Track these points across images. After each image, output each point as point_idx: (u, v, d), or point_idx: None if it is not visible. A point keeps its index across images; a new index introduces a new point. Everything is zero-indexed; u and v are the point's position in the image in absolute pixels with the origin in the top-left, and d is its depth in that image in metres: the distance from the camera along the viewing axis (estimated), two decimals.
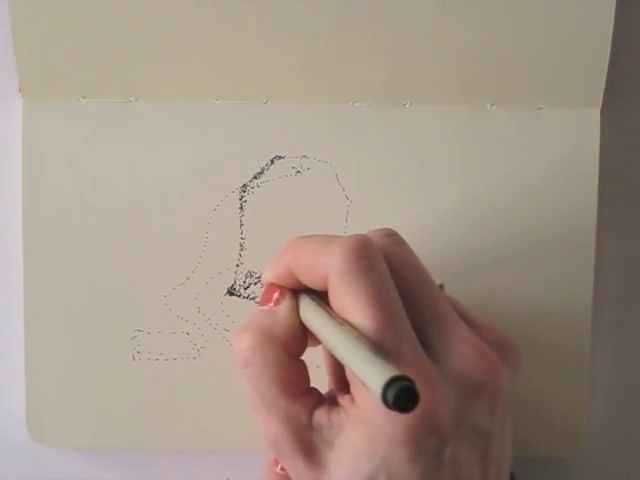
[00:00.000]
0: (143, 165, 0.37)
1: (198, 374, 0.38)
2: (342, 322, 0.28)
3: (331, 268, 0.28)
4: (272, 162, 0.37)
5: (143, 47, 0.36)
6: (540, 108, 0.37)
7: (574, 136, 0.36)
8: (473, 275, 0.37)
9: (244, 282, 0.37)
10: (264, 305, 0.31)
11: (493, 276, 0.37)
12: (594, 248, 0.37)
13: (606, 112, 0.37)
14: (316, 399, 0.30)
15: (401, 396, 0.24)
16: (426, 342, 0.29)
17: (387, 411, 0.26)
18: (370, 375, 0.25)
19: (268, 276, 0.32)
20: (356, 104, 0.37)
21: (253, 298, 0.37)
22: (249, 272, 0.37)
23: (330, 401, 0.30)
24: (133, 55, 0.36)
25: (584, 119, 0.36)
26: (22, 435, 0.38)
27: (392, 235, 0.31)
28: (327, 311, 0.29)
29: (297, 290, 0.31)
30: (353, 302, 0.28)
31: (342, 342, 0.27)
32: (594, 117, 0.36)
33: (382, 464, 0.28)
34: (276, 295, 0.31)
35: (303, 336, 0.31)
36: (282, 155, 0.37)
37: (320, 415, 0.29)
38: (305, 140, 0.37)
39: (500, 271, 0.37)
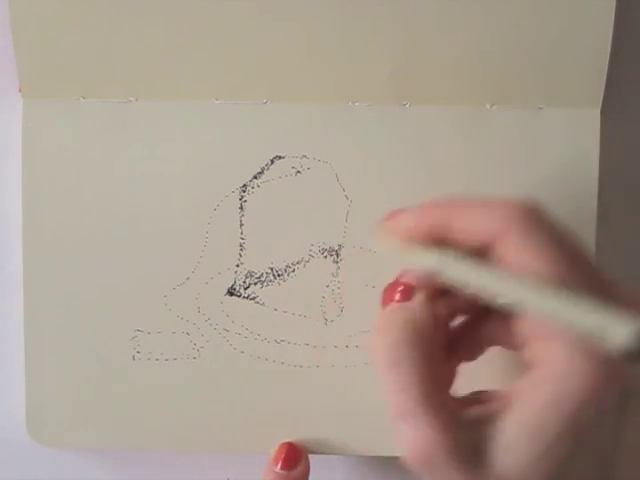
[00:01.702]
0: (143, 165, 0.37)
1: (198, 374, 0.38)
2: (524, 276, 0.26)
3: (513, 221, 0.26)
4: (272, 162, 0.37)
5: (143, 47, 0.36)
6: (540, 108, 0.37)
7: (574, 136, 0.37)
8: None
9: (244, 282, 0.37)
10: (391, 304, 0.29)
11: None
12: (594, 248, 0.37)
13: (606, 112, 0.37)
14: (463, 396, 0.28)
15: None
16: None
17: (580, 362, 0.25)
18: (608, 325, 0.23)
19: (400, 229, 0.30)
20: (356, 104, 0.37)
21: (253, 298, 0.37)
22: (249, 272, 0.37)
23: (471, 398, 0.28)
24: (133, 55, 0.36)
25: (584, 119, 0.36)
26: (22, 435, 0.38)
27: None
28: (493, 266, 0.27)
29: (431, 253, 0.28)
30: (540, 256, 0.26)
31: (550, 294, 0.25)
32: (594, 117, 0.36)
33: (569, 421, 0.25)
34: (400, 290, 0.29)
35: (446, 326, 0.29)
36: (282, 155, 0.37)
37: (472, 411, 0.27)
38: (305, 140, 0.37)
39: None
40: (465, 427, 0.26)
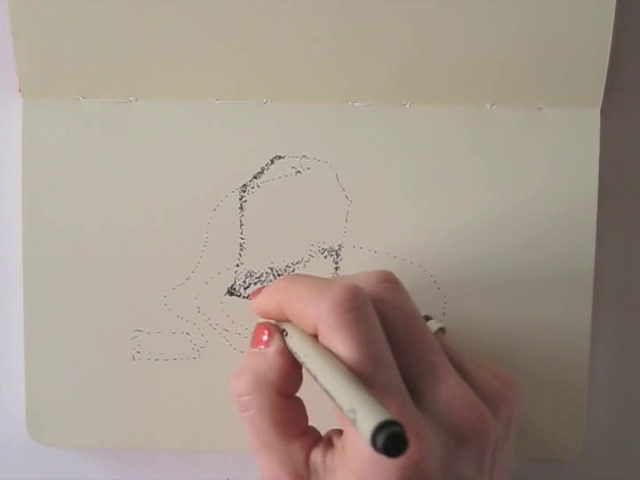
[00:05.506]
0: (143, 165, 0.37)
1: (198, 374, 0.38)
2: (329, 354, 0.28)
3: (319, 320, 0.29)
4: (272, 162, 0.37)
5: (143, 47, 0.36)
6: (540, 108, 0.37)
7: (574, 136, 0.36)
8: (470, 271, 0.37)
9: (244, 282, 0.37)
10: (255, 347, 0.31)
11: (491, 274, 0.37)
12: (594, 248, 0.37)
13: (606, 112, 0.37)
14: (313, 439, 0.31)
15: (390, 441, 0.24)
16: (416, 391, 0.29)
17: (374, 462, 0.27)
18: (360, 417, 0.25)
19: (256, 310, 0.33)
20: (356, 104, 0.37)
21: None
22: (249, 272, 0.37)
23: (326, 441, 0.30)
24: (133, 55, 0.36)
25: (584, 119, 0.36)
26: (22, 435, 0.38)
27: (389, 281, 0.31)
28: (315, 344, 0.29)
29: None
30: (341, 353, 0.28)
31: (333, 381, 0.27)
32: (594, 117, 0.36)
33: None
34: (265, 336, 0.31)
35: (296, 375, 0.31)
36: (282, 155, 0.37)
37: (316, 455, 0.30)
38: (305, 140, 0.37)
39: (497, 270, 0.37)
40: (306, 467, 0.30)
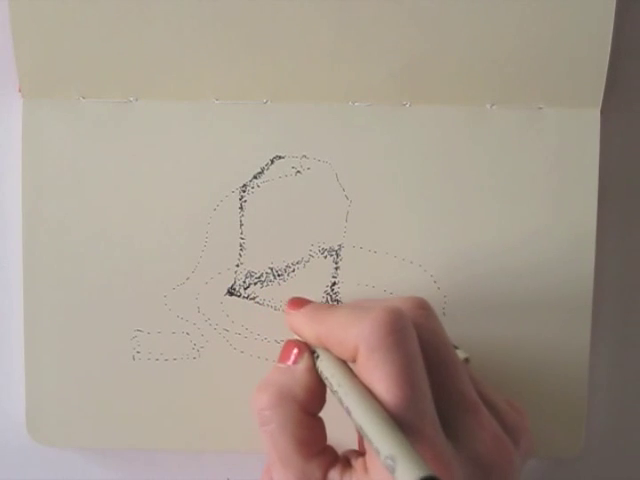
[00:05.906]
0: (143, 165, 0.37)
1: (198, 374, 0.38)
2: (364, 389, 0.28)
3: (361, 341, 0.28)
4: (272, 162, 0.37)
5: (143, 47, 0.36)
6: (540, 108, 0.37)
7: (574, 136, 0.37)
8: (470, 271, 0.37)
9: (244, 282, 0.37)
10: (282, 363, 0.31)
11: (490, 273, 0.37)
12: (594, 248, 0.37)
13: (606, 112, 0.37)
14: (331, 458, 0.30)
15: None
16: (446, 421, 0.29)
17: None
18: (400, 468, 0.25)
19: (291, 329, 0.33)
20: (356, 104, 0.37)
21: (253, 298, 0.37)
22: (249, 272, 0.37)
23: (344, 462, 0.30)
24: (133, 55, 0.36)
25: (584, 119, 0.36)
26: (22, 435, 0.38)
27: (425, 308, 0.31)
28: (351, 377, 0.29)
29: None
30: (379, 378, 0.28)
31: (371, 423, 0.27)
32: (594, 117, 0.36)
33: None
34: (295, 353, 0.31)
35: (321, 394, 0.31)
36: (282, 155, 0.37)
37: (333, 475, 0.30)
38: (305, 140, 0.37)
39: (497, 269, 0.37)
40: None
